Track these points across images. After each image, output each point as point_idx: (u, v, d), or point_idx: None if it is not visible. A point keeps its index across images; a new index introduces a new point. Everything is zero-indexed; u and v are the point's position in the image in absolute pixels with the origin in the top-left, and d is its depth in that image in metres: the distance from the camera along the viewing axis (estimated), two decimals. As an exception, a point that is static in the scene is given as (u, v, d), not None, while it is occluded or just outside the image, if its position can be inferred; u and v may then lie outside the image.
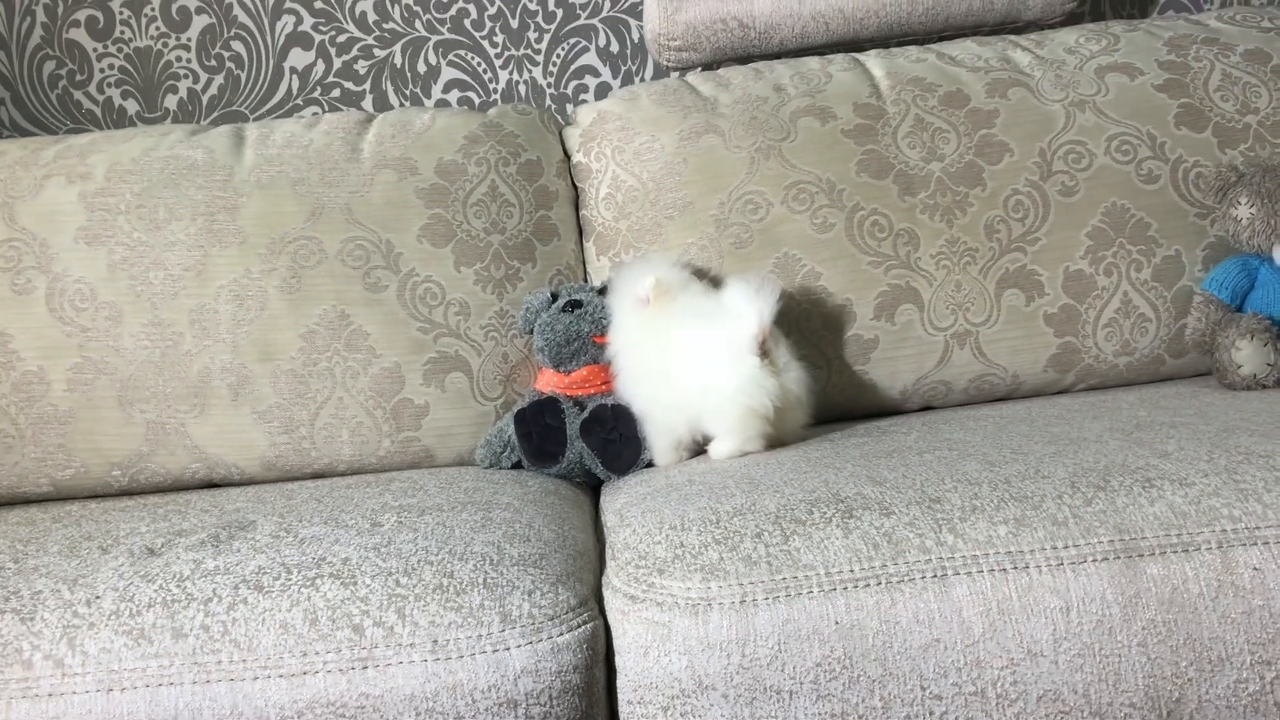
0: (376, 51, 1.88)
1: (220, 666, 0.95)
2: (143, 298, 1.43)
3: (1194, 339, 1.44)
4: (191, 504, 1.32)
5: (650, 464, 1.34)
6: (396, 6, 1.87)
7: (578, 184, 1.57)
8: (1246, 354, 1.36)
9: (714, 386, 1.26)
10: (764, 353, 1.25)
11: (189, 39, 1.86)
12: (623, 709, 0.98)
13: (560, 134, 1.62)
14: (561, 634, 0.97)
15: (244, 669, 0.95)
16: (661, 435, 1.32)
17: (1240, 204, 1.41)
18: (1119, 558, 0.97)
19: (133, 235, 1.45)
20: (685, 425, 1.30)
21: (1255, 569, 0.96)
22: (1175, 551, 0.97)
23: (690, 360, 1.28)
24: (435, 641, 0.96)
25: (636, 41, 1.90)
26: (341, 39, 1.87)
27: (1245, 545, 0.97)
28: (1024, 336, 1.45)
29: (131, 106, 1.87)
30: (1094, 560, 0.97)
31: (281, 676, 0.95)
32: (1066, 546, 0.98)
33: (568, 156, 1.59)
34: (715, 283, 1.41)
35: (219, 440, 1.42)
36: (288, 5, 1.86)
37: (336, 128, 1.55)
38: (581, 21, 1.89)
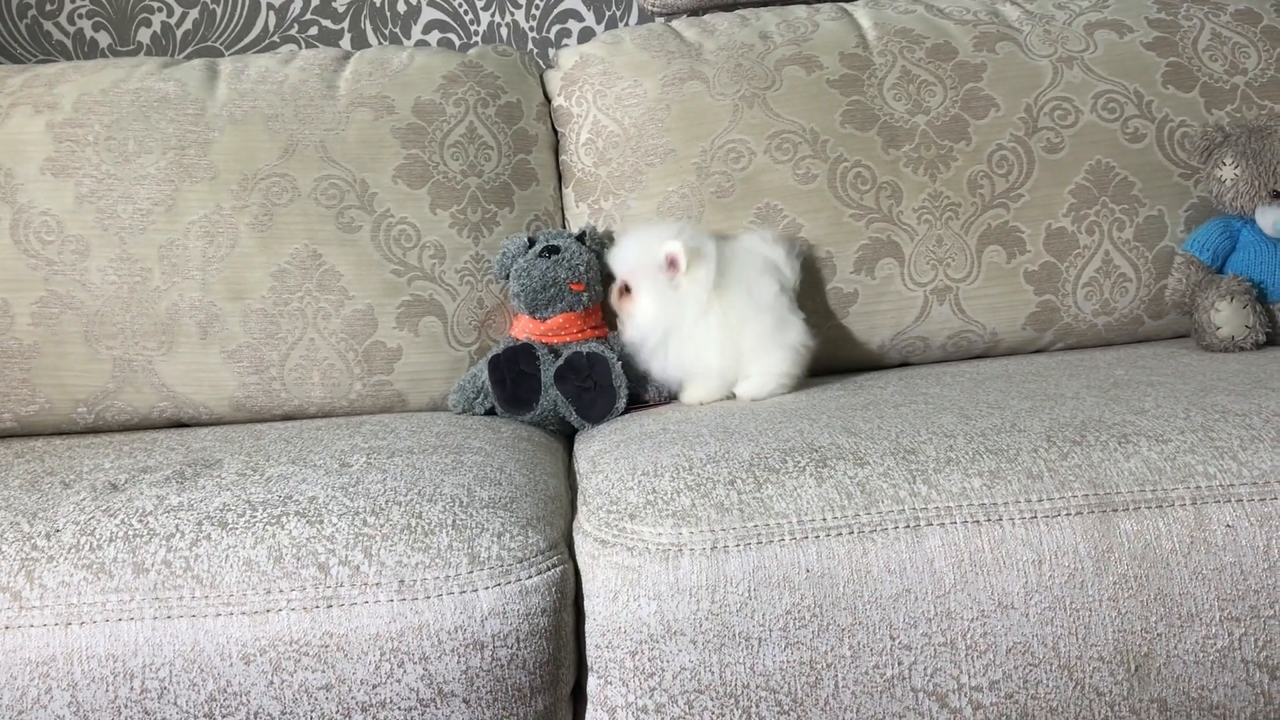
0: (355, -11, 1.84)
1: (182, 602, 0.94)
2: (110, 231, 1.40)
3: (1174, 300, 1.43)
4: (158, 442, 1.30)
5: (624, 413, 1.33)
6: (377, -57, 1.83)
7: (558, 128, 1.54)
8: (1226, 315, 1.36)
9: (773, 333, 1.31)
10: None
11: (163, -30, 1.82)
12: (590, 653, 0.97)
13: (541, 77, 1.59)
14: (530, 577, 0.96)
15: (206, 605, 0.94)
16: (712, 379, 1.33)
17: (1225, 164, 1.40)
18: (1093, 512, 0.97)
19: (101, 168, 1.41)
20: (735, 373, 1.33)
21: (1228, 526, 0.96)
22: (1149, 507, 0.97)
23: (751, 312, 1.32)
24: (402, 581, 0.94)
25: (621, -14, 1.87)
26: (320, -25, 1.83)
27: (1219, 502, 0.97)
28: (1004, 294, 1.44)
29: (103, 39, 1.83)
30: (1067, 514, 0.96)
31: (244, 614, 0.93)
32: (1040, 500, 0.97)
33: (548, 100, 1.56)
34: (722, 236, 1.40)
35: (187, 379, 1.39)
36: (265, -61, 1.82)
37: (312, 64, 1.52)
38: (566, -36, 1.86)
